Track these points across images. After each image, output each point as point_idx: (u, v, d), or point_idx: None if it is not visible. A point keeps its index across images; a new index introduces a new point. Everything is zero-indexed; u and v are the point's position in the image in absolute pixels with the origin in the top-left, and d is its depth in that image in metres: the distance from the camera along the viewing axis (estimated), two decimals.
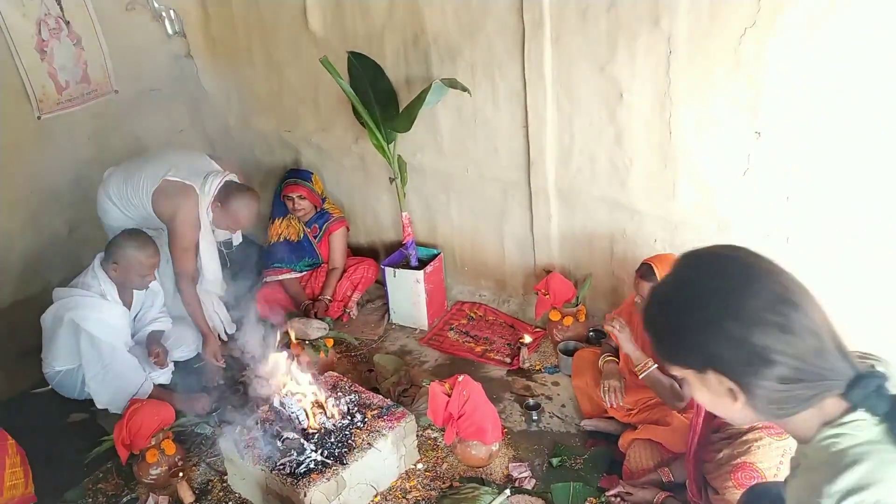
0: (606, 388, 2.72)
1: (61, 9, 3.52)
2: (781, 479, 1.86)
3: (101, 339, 3.00)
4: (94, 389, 3.07)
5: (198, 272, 3.38)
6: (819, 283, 2.77)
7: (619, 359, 2.84)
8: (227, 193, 3.23)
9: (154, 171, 3.20)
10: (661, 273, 2.53)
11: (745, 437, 1.97)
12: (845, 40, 2.30)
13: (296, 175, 4.00)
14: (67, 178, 3.80)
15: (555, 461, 2.75)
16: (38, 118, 3.64)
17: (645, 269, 2.58)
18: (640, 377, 2.61)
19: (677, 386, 2.55)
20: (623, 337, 2.62)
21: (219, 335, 3.57)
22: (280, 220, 4.03)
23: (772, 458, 1.90)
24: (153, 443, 2.74)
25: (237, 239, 3.65)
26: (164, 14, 4.25)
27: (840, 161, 2.48)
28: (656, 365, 2.60)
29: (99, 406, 3.11)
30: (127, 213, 3.32)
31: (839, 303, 2.67)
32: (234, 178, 3.35)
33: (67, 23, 3.67)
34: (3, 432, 2.60)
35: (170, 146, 4.14)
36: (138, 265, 2.99)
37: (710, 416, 2.12)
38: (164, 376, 3.30)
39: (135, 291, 3.27)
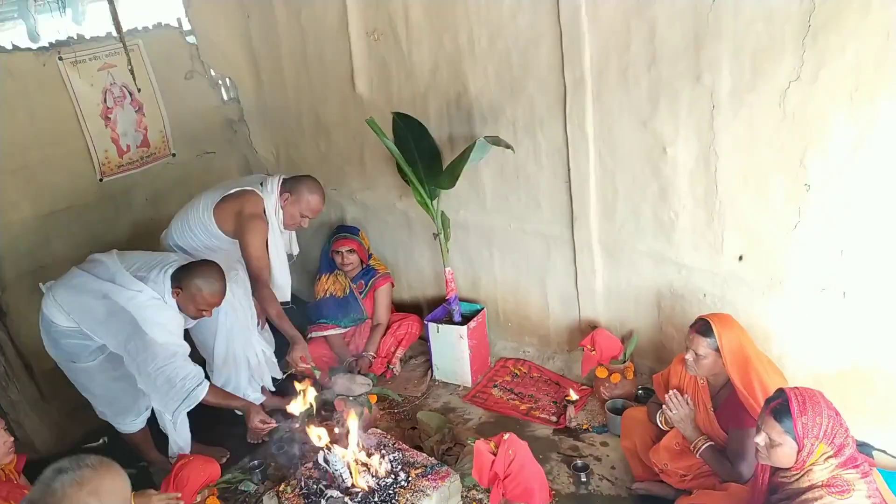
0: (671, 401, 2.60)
1: (133, 78, 3.73)
2: None
3: (159, 343, 2.84)
4: (148, 389, 2.91)
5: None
6: (883, 341, 2.67)
7: None
8: (291, 184, 3.32)
9: (211, 195, 3.32)
10: (718, 330, 2.45)
11: (804, 497, 1.86)
12: (893, 90, 2.27)
13: (344, 230, 4.09)
14: (125, 237, 3.97)
15: None
16: (101, 180, 3.85)
17: (702, 325, 2.50)
18: (696, 455, 2.52)
19: (728, 464, 2.45)
20: (679, 415, 2.56)
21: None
22: (326, 276, 4.09)
23: None
24: (199, 499, 2.75)
25: (295, 248, 3.67)
26: (220, 82, 4.51)
27: None
28: (711, 443, 2.51)
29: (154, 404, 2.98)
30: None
31: None
32: (286, 176, 3.42)
33: (138, 90, 3.91)
34: None
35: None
36: (200, 299, 2.91)
37: (770, 476, 2.02)
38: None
39: None
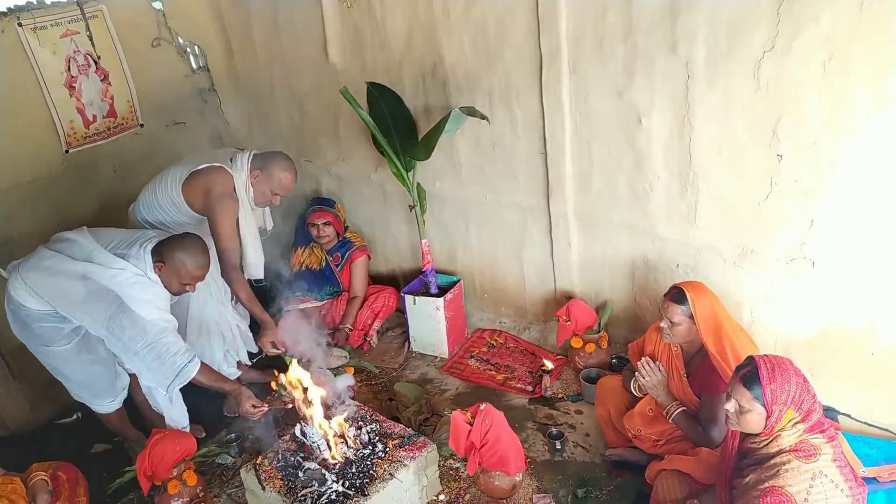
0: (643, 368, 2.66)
1: (92, 44, 3.58)
2: (812, 503, 1.80)
3: (148, 320, 2.77)
4: (137, 368, 2.87)
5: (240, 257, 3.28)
6: (850, 310, 2.72)
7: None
8: (262, 161, 3.19)
9: (179, 170, 3.18)
10: (692, 297, 2.49)
11: (772, 461, 1.91)
12: (866, 61, 2.28)
13: (320, 203, 4.05)
14: (93, 211, 3.87)
15: (580, 492, 2.69)
16: (66, 152, 3.73)
17: (676, 293, 2.54)
18: (669, 420, 2.58)
19: (700, 429, 2.51)
20: (652, 382, 2.61)
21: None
22: (302, 249, 4.06)
23: (801, 482, 1.83)
24: (175, 474, 2.74)
25: (269, 223, 3.58)
26: (188, 50, 4.38)
27: (866, 184, 2.44)
28: (683, 408, 2.56)
29: (142, 382, 2.93)
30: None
31: (872, 330, 2.62)
32: (257, 151, 3.30)
33: (98, 58, 3.77)
34: (74, 467, 2.74)
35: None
36: (184, 272, 2.81)
37: (740, 442, 2.07)
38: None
39: None
